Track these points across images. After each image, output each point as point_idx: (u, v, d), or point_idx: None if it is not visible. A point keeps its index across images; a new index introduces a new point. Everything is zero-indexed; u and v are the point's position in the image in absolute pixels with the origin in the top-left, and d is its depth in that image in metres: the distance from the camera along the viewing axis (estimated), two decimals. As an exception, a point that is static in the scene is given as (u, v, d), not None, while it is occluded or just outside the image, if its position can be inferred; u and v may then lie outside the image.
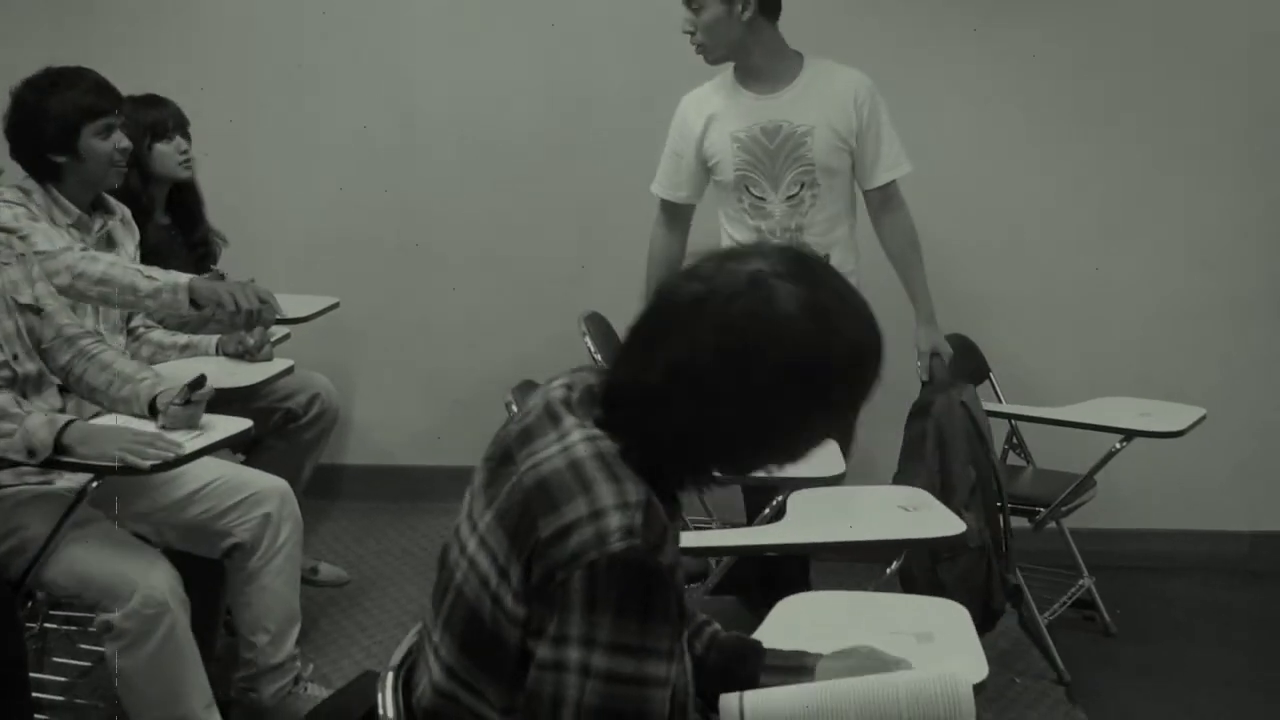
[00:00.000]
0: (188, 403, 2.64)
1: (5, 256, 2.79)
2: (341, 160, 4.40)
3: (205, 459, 2.88)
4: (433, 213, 4.33)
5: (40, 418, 2.50)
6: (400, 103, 4.40)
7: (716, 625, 1.86)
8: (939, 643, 2.10)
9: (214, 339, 3.33)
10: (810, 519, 2.65)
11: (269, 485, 2.93)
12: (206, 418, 2.72)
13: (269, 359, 3.27)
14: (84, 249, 3.03)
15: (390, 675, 1.69)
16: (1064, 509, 3.69)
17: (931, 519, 2.65)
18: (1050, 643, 3.65)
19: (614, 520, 1.42)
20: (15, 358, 2.72)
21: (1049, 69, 4.27)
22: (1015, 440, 4.02)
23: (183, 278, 3.01)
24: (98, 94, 3.09)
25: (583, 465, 1.47)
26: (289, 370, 3.28)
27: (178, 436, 2.60)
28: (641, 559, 1.41)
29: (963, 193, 4.31)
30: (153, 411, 2.70)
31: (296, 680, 2.96)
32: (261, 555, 2.88)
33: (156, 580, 2.53)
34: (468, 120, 4.35)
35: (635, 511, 1.43)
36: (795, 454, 1.57)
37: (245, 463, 3.29)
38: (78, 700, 3.01)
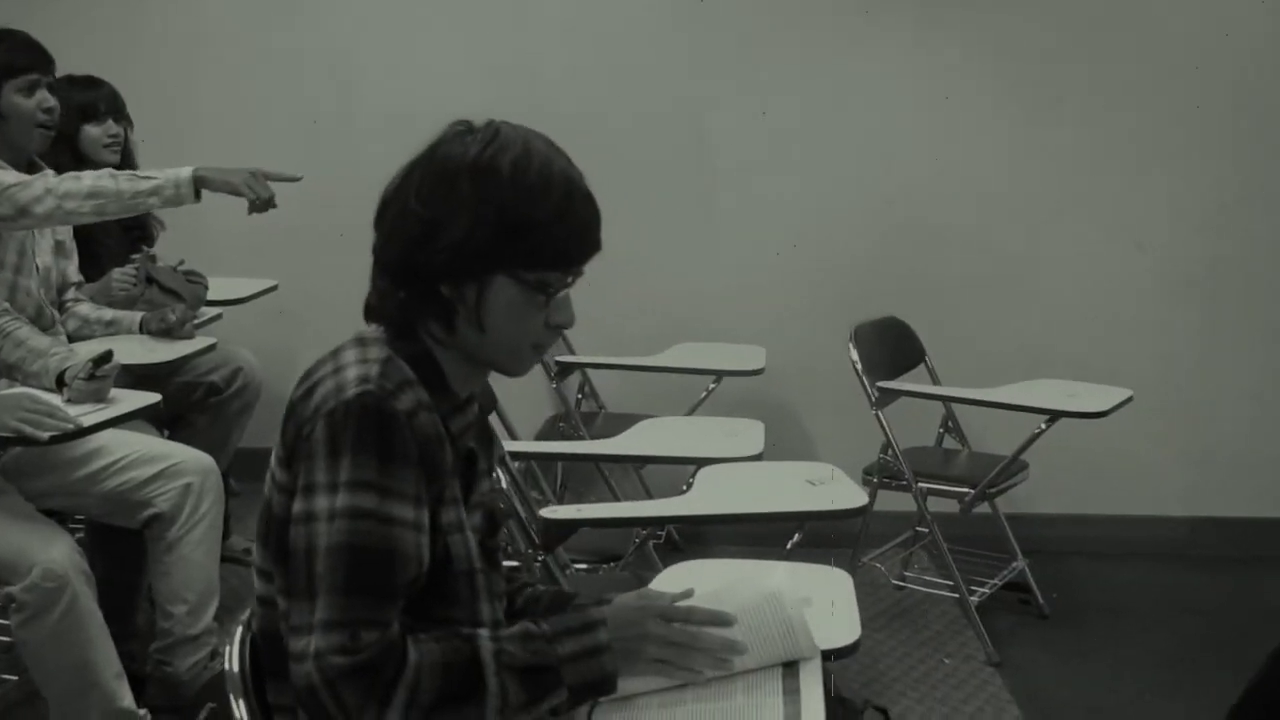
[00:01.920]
0: (92, 377, 2.67)
1: (-81, 233, 2.82)
2: (282, 145, 4.41)
3: (124, 432, 2.92)
4: (372, 198, 4.31)
5: None
6: (340, 87, 4.43)
7: (534, 584, 1.91)
8: (816, 607, 2.11)
9: (138, 316, 3.35)
10: (715, 492, 2.68)
11: (190, 457, 2.95)
12: (115, 392, 2.75)
13: (190, 337, 3.29)
14: (44, 170, 3.04)
15: (239, 630, 1.71)
16: (991, 490, 3.70)
17: (836, 492, 2.68)
18: (979, 623, 3.67)
19: (351, 372, 1.55)
20: (-68, 335, 2.75)
21: (987, 52, 4.29)
22: (951, 423, 4.04)
23: (185, 170, 3.01)
24: (22, 51, 3.10)
25: (341, 348, 1.62)
26: (210, 348, 3.30)
27: (84, 409, 2.63)
28: (376, 402, 1.51)
29: (897, 175, 4.34)
30: (61, 385, 2.72)
31: (213, 655, 2.97)
32: (181, 525, 2.89)
33: (56, 554, 2.55)
34: (406, 106, 4.36)
35: (373, 364, 1.55)
36: (439, 279, 1.59)
37: (170, 438, 3.31)
38: (6, 676, 3.03)
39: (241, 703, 1.65)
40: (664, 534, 4.10)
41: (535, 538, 2.62)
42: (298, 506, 1.51)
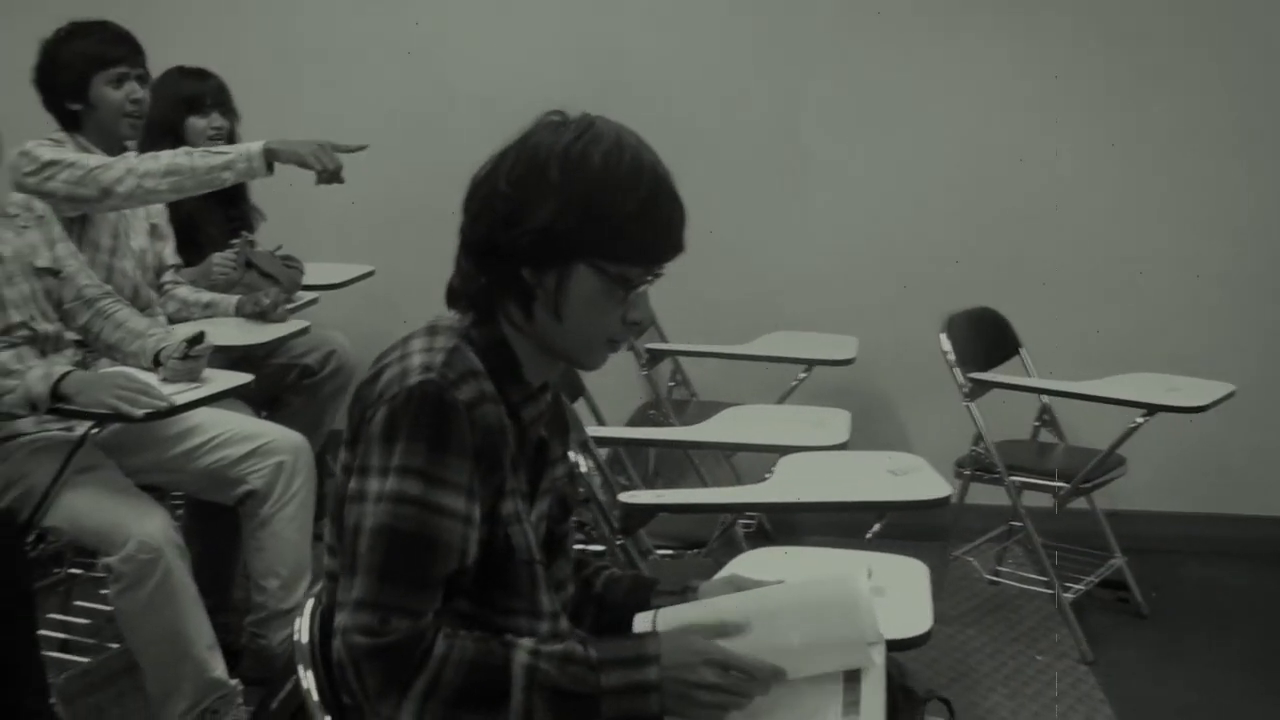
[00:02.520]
0: (186, 357, 2.74)
1: (25, 220, 2.91)
2: (377, 131, 4.45)
3: (219, 411, 3.00)
4: (465, 183, 4.35)
5: (39, 372, 2.61)
6: (433, 72, 4.46)
7: (613, 568, 1.92)
8: (889, 596, 2.09)
9: (235, 299, 3.44)
10: (795, 480, 2.66)
11: (282, 436, 3.02)
12: (208, 372, 2.82)
13: (283, 319, 3.36)
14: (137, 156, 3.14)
15: (310, 603, 1.75)
16: (1086, 485, 3.63)
17: (917, 483, 2.65)
18: (1074, 620, 3.60)
19: (416, 360, 1.56)
20: (32, 318, 2.84)
21: (1082, 39, 4.21)
22: (1047, 416, 3.97)
23: (256, 144, 3.10)
24: (111, 44, 3.20)
25: (413, 334, 1.64)
26: (304, 331, 3.38)
27: (177, 388, 2.71)
28: (436, 391, 1.53)
29: (994, 164, 4.27)
30: (156, 365, 2.81)
31: (305, 630, 3.04)
32: (274, 503, 2.96)
33: (151, 527, 2.63)
34: (499, 89, 4.40)
35: (438, 353, 1.57)
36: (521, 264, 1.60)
37: (267, 418, 3.39)
38: (110, 644, 3.13)
39: (310, 673, 1.69)
40: (755, 522, 4.10)
41: (615, 522, 2.64)
42: (352, 485, 1.55)
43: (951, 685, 3.39)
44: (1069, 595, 3.65)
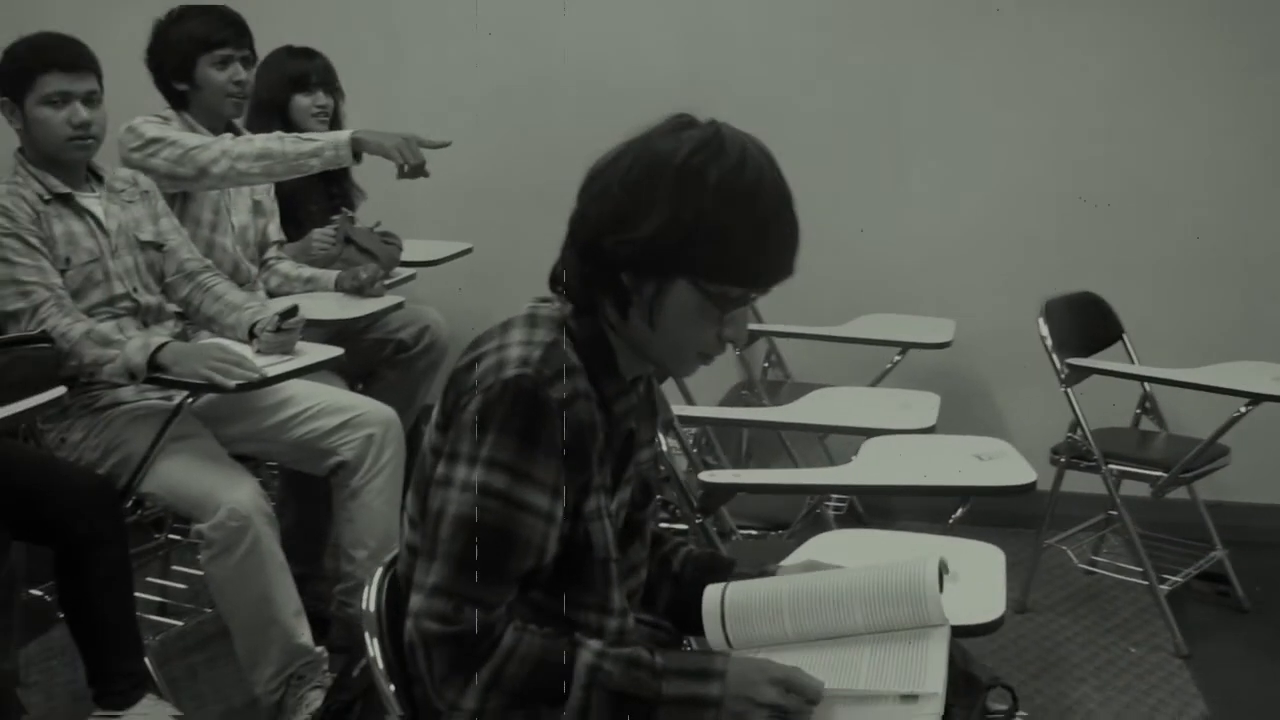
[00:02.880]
0: (279, 330, 2.81)
1: (130, 195, 3.00)
2: (478, 108, 4.51)
3: (313, 384, 3.06)
4: (565, 160, 4.37)
5: (137, 342, 2.69)
6: (535, 50, 4.48)
7: (690, 545, 1.92)
8: (963, 582, 2.07)
9: (334, 274, 3.50)
10: (877, 463, 2.64)
11: (373, 409, 3.07)
12: (301, 345, 2.88)
13: (379, 295, 3.42)
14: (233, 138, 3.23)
15: (379, 571, 1.78)
16: (1187, 475, 3.54)
17: (1002, 468, 2.61)
18: (1169, 613, 3.52)
19: (514, 352, 1.56)
20: (135, 290, 2.93)
21: (1195, 22, 4.09)
22: (1148, 404, 3.89)
23: (344, 133, 3.18)
24: (217, 27, 3.28)
25: (512, 321, 1.63)
26: (398, 306, 3.43)
27: (270, 360, 2.78)
28: (531, 386, 1.53)
29: (1100, 147, 4.18)
30: (252, 337, 2.88)
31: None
32: (364, 474, 3.01)
33: (241, 495, 2.70)
34: (600, 68, 4.42)
35: (536, 347, 1.56)
36: (622, 268, 1.58)
37: (363, 392, 3.45)
38: (205, 609, 3.22)
39: (376, 641, 1.72)
40: (846, 505, 4.08)
41: (695, 501, 2.64)
42: (440, 470, 1.56)
43: (1040, 675, 3.35)
44: (1165, 587, 3.56)
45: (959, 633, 1.90)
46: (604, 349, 1.63)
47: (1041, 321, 3.61)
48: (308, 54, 3.81)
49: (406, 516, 1.69)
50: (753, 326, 4.08)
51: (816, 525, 3.14)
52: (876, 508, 4.17)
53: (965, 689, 1.66)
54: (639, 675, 1.54)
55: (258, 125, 3.54)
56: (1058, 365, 3.58)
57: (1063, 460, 3.66)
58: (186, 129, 3.28)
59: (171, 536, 3.32)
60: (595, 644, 1.56)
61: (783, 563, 1.90)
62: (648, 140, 1.58)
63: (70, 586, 2.69)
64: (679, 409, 3.05)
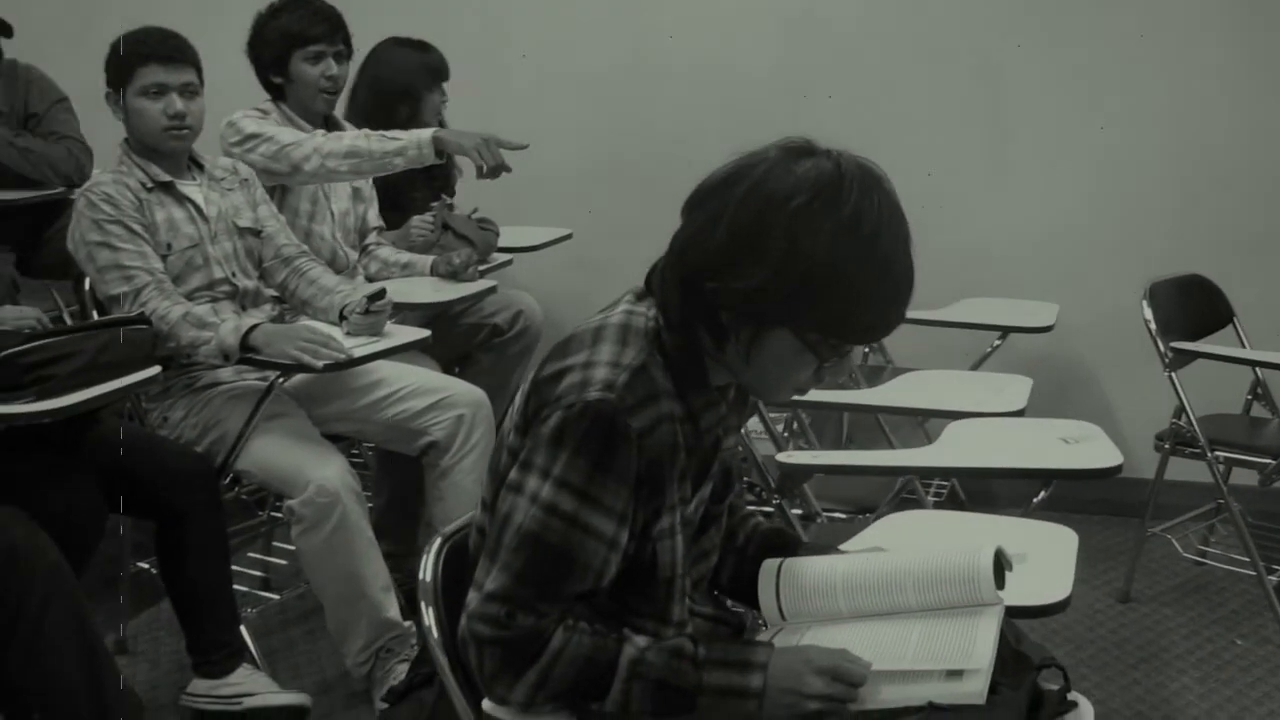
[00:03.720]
0: (368, 312, 2.88)
1: (230, 183, 3.10)
2: (581, 93, 4.55)
3: (405, 365, 3.14)
4: (669, 147, 4.41)
5: (230, 324, 2.78)
6: (639, 35, 4.49)
7: (760, 519, 1.91)
8: (1031, 563, 2.04)
9: (430, 260, 3.57)
10: (960, 445, 2.61)
11: (463, 390, 3.12)
12: (390, 327, 2.95)
13: (473, 279, 3.47)
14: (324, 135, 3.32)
15: (437, 541, 1.82)
16: (1298, 463, 3.42)
17: (1088, 452, 2.56)
18: (1278, 605, 3.41)
19: (600, 373, 1.53)
20: (234, 275, 3.03)
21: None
22: (1260, 390, 3.76)
23: (426, 133, 3.24)
24: (311, 22, 3.37)
25: (605, 329, 1.59)
26: (491, 290, 3.48)
27: (359, 341, 2.85)
28: (610, 413, 1.51)
29: (1206, 128, 4.05)
30: (343, 319, 2.95)
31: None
32: (454, 454, 3.06)
33: (329, 473, 2.77)
34: (700, 59, 4.42)
35: (623, 372, 1.53)
36: (723, 308, 1.55)
37: (459, 374, 3.51)
38: (304, 584, 3.31)
39: (431, 611, 1.76)
40: (947, 490, 4.03)
41: (772, 482, 2.64)
42: (513, 475, 1.56)
43: (1139, 665, 3.27)
44: (1275, 579, 3.45)
45: (1023, 613, 1.89)
46: (695, 364, 1.59)
47: (1146, 304, 3.51)
48: (425, 47, 3.85)
49: (481, 499, 1.71)
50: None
51: (905, 508, 3.12)
52: (979, 494, 4.11)
53: (1015, 667, 1.64)
54: (680, 665, 1.55)
55: (382, 117, 3.61)
56: (1162, 349, 3.49)
57: (1167, 447, 3.56)
58: (285, 121, 3.37)
59: (273, 514, 3.42)
60: (641, 640, 1.57)
61: (845, 545, 1.90)
62: (760, 171, 1.51)
63: (170, 559, 2.80)
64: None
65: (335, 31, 3.39)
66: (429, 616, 1.75)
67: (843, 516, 3.11)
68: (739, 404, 1.77)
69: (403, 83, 3.74)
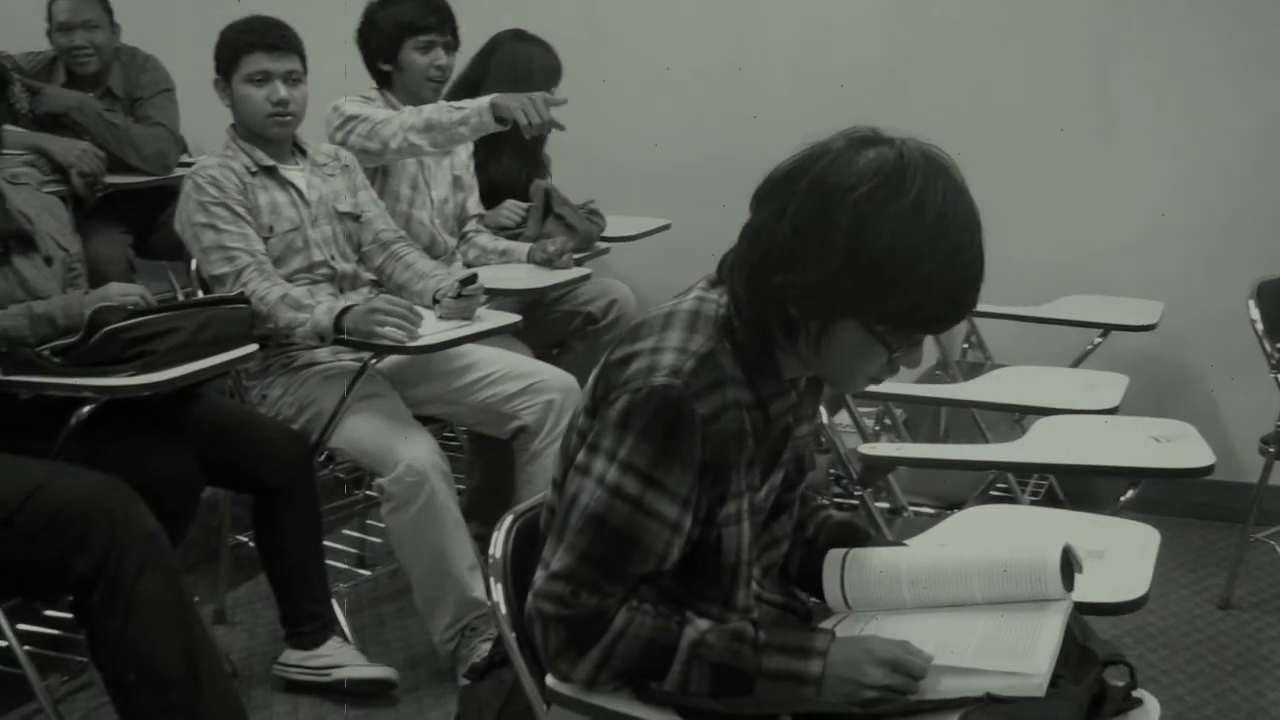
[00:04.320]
0: (459, 296, 2.93)
1: (332, 169, 3.18)
2: (686, 86, 4.56)
3: (497, 350, 3.19)
4: (770, 140, 4.37)
5: (325, 306, 2.86)
6: (739, 31, 4.49)
7: (831, 510, 1.91)
8: (1107, 560, 2.02)
9: (528, 247, 3.61)
10: (1046, 441, 2.58)
11: (553, 375, 3.16)
12: (481, 311, 3.00)
13: (568, 267, 3.51)
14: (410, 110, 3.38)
15: (509, 518, 1.85)
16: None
17: (1175, 451, 2.51)
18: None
19: (667, 358, 1.55)
20: (333, 258, 3.11)
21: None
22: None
23: (485, 100, 3.27)
24: (423, 12, 3.44)
25: (675, 315, 1.61)
26: (585, 278, 3.51)
27: (451, 325, 2.91)
28: (676, 398, 1.52)
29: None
30: (435, 303, 3.01)
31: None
32: (543, 438, 3.10)
33: (418, 452, 2.83)
34: (803, 47, 4.40)
35: (690, 358, 1.54)
36: (792, 303, 1.55)
37: (554, 362, 3.55)
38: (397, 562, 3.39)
39: (500, 587, 1.79)
40: (1046, 487, 3.98)
41: (854, 474, 2.64)
42: (581, 457, 1.59)
43: (1237, 673, 3.19)
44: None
45: (1098, 610, 1.87)
46: (766, 354, 1.61)
47: (1253, 304, 3.44)
48: (545, 46, 3.89)
49: (552, 479, 1.73)
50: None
51: (988, 503, 3.09)
52: (1079, 493, 4.04)
53: (1079, 662, 1.62)
54: (740, 648, 1.56)
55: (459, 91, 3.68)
56: (1269, 349, 3.40)
57: (1272, 450, 3.47)
58: (388, 108, 3.44)
59: (369, 493, 3.49)
60: (703, 623, 1.58)
61: (916, 540, 1.89)
62: (823, 164, 1.51)
63: (265, 532, 2.89)
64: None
65: (445, 23, 3.47)
66: (498, 593, 1.78)
67: (930, 511, 3.09)
68: (813, 392, 1.78)
69: (523, 80, 3.78)
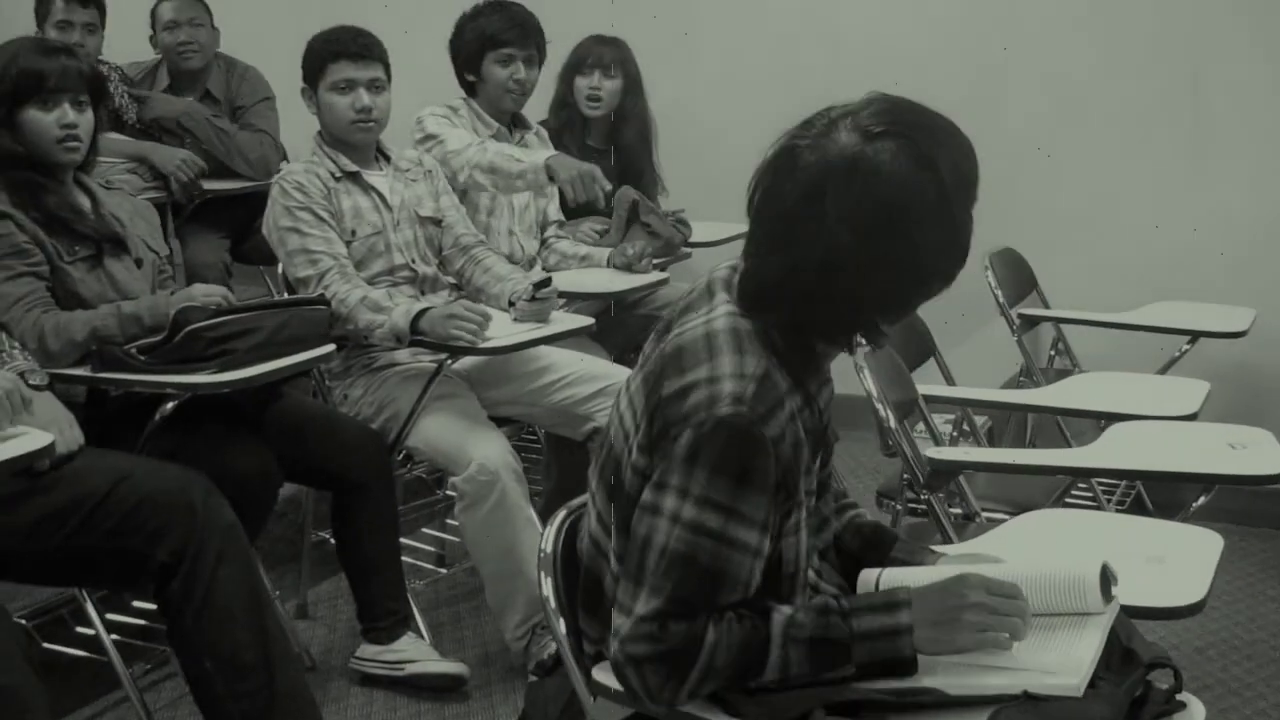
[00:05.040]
0: (533, 299, 2.98)
1: (415, 174, 3.26)
2: (773, 89, 4.56)
3: (572, 353, 3.23)
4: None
5: (403, 309, 2.93)
6: (837, 31, 4.52)
7: (860, 510, 1.92)
8: (1167, 565, 2.00)
9: (607, 252, 3.66)
10: (1118, 447, 2.55)
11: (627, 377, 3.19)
12: (555, 314, 3.05)
13: (647, 271, 3.54)
14: (480, 142, 3.47)
15: (561, 514, 1.89)
16: None
17: (1249, 458, 2.47)
18: None
19: (727, 386, 1.54)
20: (414, 261, 3.18)
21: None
22: None
23: (540, 159, 3.35)
24: (505, 27, 3.52)
25: (715, 336, 1.59)
26: (662, 282, 3.54)
27: (525, 327, 2.96)
28: (746, 426, 1.52)
29: None
30: (511, 305, 3.06)
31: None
32: None
33: (491, 452, 2.88)
34: (896, 51, 4.38)
35: (749, 382, 1.54)
36: (871, 313, 1.61)
37: (632, 365, 3.58)
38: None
39: (549, 580, 1.83)
40: (1134, 493, 3.91)
41: (922, 478, 2.63)
42: (647, 496, 1.57)
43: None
44: None
45: (1154, 614, 1.85)
46: (809, 355, 1.64)
47: (1342, 311, 3.36)
48: (604, 41, 3.98)
49: (595, 511, 1.75)
50: (1038, 312, 4.01)
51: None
52: (1166, 502, 3.96)
53: (1121, 664, 1.61)
54: (830, 620, 1.56)
55: (554, 104, 3.90)
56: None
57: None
58: (473, 117, 3.55)
59: (449, 493, 3.55)
60: (787, 608, 1.59)
61: (946, 551, 1.88)
62: (857, 167, 1.54)
63: (344, 529, 2.96)
64: (926, 388, 3.02)
65: (527, 37, 3.54)
66: (548, 586, 1.81)
67: (1004, 517, 3.05)
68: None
69: (561, 74, 3.95)
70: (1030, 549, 1.95)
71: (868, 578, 1.75)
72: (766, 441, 1.52)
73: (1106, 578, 1.66)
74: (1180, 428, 2.73)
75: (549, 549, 1.84)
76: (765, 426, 1.52)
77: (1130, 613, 1.84)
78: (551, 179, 3.33)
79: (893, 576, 1.74)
